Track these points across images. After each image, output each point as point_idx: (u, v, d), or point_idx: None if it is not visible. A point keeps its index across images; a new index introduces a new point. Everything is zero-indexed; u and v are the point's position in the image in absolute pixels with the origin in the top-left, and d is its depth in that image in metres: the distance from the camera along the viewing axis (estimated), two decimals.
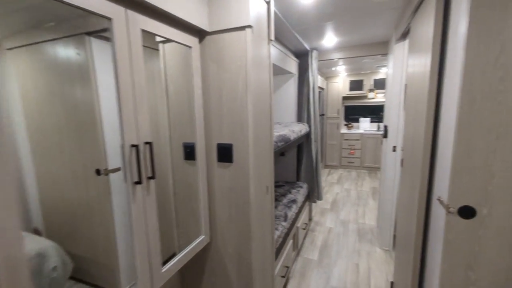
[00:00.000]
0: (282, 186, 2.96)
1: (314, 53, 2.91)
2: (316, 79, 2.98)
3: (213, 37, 1.24)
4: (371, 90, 5.55)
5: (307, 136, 3.00)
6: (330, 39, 2.64)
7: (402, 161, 1.93)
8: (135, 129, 0.90)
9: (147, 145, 0.94)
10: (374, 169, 5.59)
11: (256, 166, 1.34)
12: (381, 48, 2.86)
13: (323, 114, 5.59)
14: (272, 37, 1.42)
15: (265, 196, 1.48)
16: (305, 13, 1.89)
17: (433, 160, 1.31)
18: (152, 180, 0.97)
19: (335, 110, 5.77)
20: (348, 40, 2.70)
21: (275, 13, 1.81)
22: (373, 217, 3.41)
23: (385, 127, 2.67)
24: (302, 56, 3.07)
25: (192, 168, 1.39)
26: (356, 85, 5.62)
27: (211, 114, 1.31)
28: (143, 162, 0.92)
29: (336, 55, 3.07)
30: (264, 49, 1.37)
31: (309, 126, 2.98)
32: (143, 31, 0.94)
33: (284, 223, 2.12)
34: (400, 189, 2.00)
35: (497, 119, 0.95)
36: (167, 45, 1.31)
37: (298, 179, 3.20)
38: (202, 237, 1.38)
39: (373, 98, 5.60)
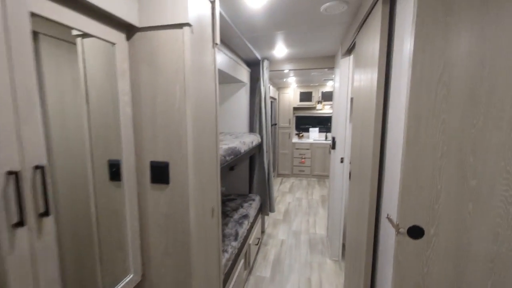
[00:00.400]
0: (233, 199, 2.79)
1: (266, 63, 2.86)
2: (267, 89, 2.92)
3: (145, 34, 1.03)
4: (319, 102, 5.80)
5: (259, 147, 2.90)
6: (280, 50, 2.61)
7: (350, 173, 1.93)
8: (16, 148, 0.64)
9: (38, 170, 0.68)
10: (323, 177, 5.79)
11: (199, 186, 1.15)
12: (328, 62, 2.95)
13: (275, 124, 5.63)
14: (218, 41, 1.27)
15: (210, 220, 1.29)
16: (255, 20, 1.79)
17: (381, 176, 1.29)
18: (47, 218, 0.71)
19: (287, 120, 5.87)
20: (298, 52, 2.71)
21: (222, 16, 1.67)
22: (323, 226, 3.45)
23: (333, 138, 2.72)
24: (253, 65, 2.98)
25: (119, 191, 1.13)
26: (305, 96, 5.81)
27: (143, 126, 1.08)
28: (29, 194, 0.66)
29: (286, 66, 3.07)
30: (207, 53, 1.21)
31: (261, 137, 2.89)
32: (35, 15, 0.69)
33: (234, 243, 1.94)
34: (349, 201, 2.01)
35: (441, 137, 0.94)
36: (88, 40, 1.05)
37: (250, 191, 3.07)
38: (130, 275, 1.12)
39: (321, 110, 5.85)
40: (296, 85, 5.66)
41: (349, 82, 2.43)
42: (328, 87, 5.65)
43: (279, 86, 5.75)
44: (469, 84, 0.89)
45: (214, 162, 1.34)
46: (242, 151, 2.07)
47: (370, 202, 1.30)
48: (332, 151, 2.83)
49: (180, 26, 0.98)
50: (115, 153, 1.12)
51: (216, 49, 1.30)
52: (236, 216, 2.37)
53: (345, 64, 2.42)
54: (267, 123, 2.93)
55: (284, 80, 4.58)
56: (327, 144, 5.64)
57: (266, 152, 2.94)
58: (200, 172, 1.16)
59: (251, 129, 3.02)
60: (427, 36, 0.91)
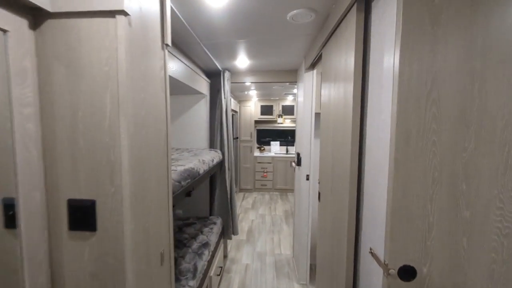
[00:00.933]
0: (192, 224, 2.45)
1: (227, 74, 2.65)
2: (229, 102, 2.70)
3: (61, 22, 0.73)
4: (280, 116, 5.77)
5: (220, 164, 2.64)
6: (242, 61, 2.43)
7: (319, 194, 1.79)
8: None
9: None
10: (285, 191, 5.70)
11: (141, 229, 0.85)
12: (291, 76, 2.86)
13: (237, 137, 5.41)
14: (169, 42, 1.01)
15: (159, 269, 0.99)
16: (215, 24, 1.58)
17: (359, 201, 1.15)
18: None
19: (248, 133, 5.70)
20: (260, 64, 2.56)
21: (177, 16, 1.42)
22: (288, 246, 3.26)
23: (298, 154, 2.59)
24: (214, 76, 2.75)
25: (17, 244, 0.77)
26: (266, 110, 5.74)
27: (58, 150, 0.76)
28: None
29: (248, 79, 2.90)
30: (154, 55, 0.94)
31: (222, 153, 2.63)
32: None
33: (192, 282, 1.62)
34: (319, 222, 1.85)
35: (432, 161, 0.82)
36: None
37: (211, 213, 2.75)
38: None
39: (282, 123, 5.83)
40: (257, 98, 5.57)
41: (313, 96, 2.34)
42: (288, 101, 5.67)
43: (240, 99, 5.59)
44: (459, 102, 0.79)
45: (164, 191, 1.05)
46: (202, 171, 1.79)
47: (348, 234, 1.13)
48: (296, 167, 2.70)
49: (111, 14, 0.71)
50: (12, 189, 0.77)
51: (167, 52, 1.04)
52: (195, 245, 2.04)
53: (309, 79, 2.34)
54: (229, 138, 2.69)
55: (246, 93, 4.43)
56: (288, 157, 5.60)
57: (228, 170, 2.69)
58: (142, 209, 0.86)
59: (212, 145, 2.75)
60: (414, 49, 0.79)
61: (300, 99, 2.61)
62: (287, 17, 1.43)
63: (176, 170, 1.40)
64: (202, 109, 2.63)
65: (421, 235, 0.83)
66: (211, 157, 2.18)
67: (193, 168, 1.62)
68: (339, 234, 1.27)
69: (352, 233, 1.12)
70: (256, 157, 5.66)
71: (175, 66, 1.83)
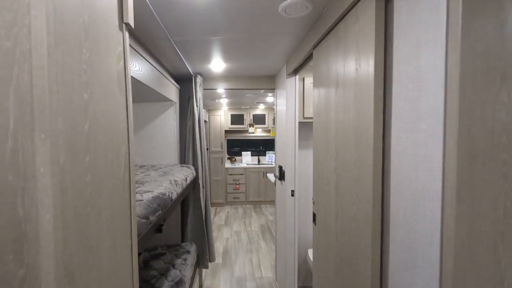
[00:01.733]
0: (161, 255, 2.02)
1: (199, 79, 2.32)
2: (201, 111, 2.36)
3: None
4: (251, 125, 5.54)
5: (194, 182, 2.27)
6: (217, 64, 2.13)
7: (314, 216, 1.54)
8: None
9: None
10: (258, 203, 5.42)
11: None
12: (268, 82, 2.63)
13: (207, 149, 5.01)
14: (130, 21, 0.69)
15: None
16: (191, 15, 1.27)
17: (382, 238, 0.91)
18: None
19: (219, 143, 5.35)
20: (236, 68, 2.29)
21: (144, 4, 1.09)
22: (269, 266, 2.96)
23: (280, 168, 2.34)
24: (184, 82, 2.40)
25: None
26: (237, 119, 5.47)
27: None
28: None
29: (222, 85, 2.60)
30: (107, 37, 0.61)
31: (196, 169, 2.27)
32: None
33: None
34: (316, 252, 1.58)
35: (503, 187, 0.62)
36: None
37: (183, 239, 2.34)
38: None
39: (253, 133, 5.60)
40: (228, 107, 5.27)
41: (296, 104, 2.13)
42: (259, 109, 5.47)
43: (210, 108, 5.24)
44: None
45: (124, 243, 0.70)
46: (175, 196, 1.42)
47: (372, 285, 0.88)
48: (278, 182, 2.45)
49: None
50: None
51: (128, 36, 0.71)
52: (167, 285, 1.64)
53: (291, 85, 2.12)
54: (202, 151, 2.34)
55: (216, 101, 4.11)
56: (261, 168, 5.35)
57: (203, 187, 2.33)
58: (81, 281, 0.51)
59: (183, 160, 2.37)
60: (477, 34, 0.59)
61: (281, 107, 2.38)
62: (278, 8, 1.19)
63: (142, 200, 1.03)
64: (171, 118, 2.25)
65: (492, 287, 0.61)
66: (184, 175, 1.82)
67: (164, 194, 1.26)
68: (352, 278, 1.02)
69: (376, 284, 0.88)
70: (227, 168, 5.31)
71: (138, 65, 1.46)
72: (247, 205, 5.39)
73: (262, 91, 3.19)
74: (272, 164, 5.53)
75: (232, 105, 5.00)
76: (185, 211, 2.31)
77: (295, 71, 2.05)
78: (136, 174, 1.68)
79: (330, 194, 1.29)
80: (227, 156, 5.79)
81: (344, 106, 1.12)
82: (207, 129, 5.07)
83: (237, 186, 5.34)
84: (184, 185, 1.72)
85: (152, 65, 1.73)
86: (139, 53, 1.50)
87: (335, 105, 1.21)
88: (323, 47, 1.35)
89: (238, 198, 5.37)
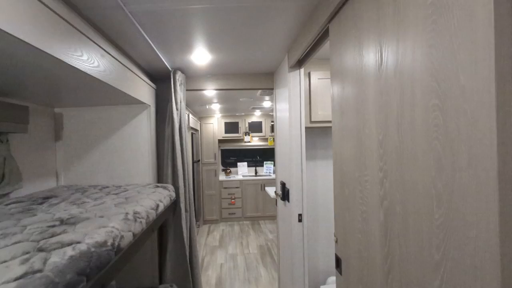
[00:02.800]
0: None
1: (180, 76, 1.86)
2: (184, 115, 1.89)
3: None
4: (246, 133, 5.08)
5: (174, 206, 1.77)
6: (201, 55, 1.67)
7: (337, 261, 1.05)
8: None
9: None
10: (256, 218, 4.89)
11: None
12: (266, 80, 2.18)
13: (198, 160, 4.52)
14: None
15: None
16: None
17: None
18: None
19: (212, 154, 4.86)
20: (225, 61, 1.84)
21: None
22: None
23: (283, 185, 1.86)
24: (162, 81, 1.94)
25: None
26: (231, 127, 5.01)
27: None
28: None
29: (209, 85, 2.14)
30: None
31: (176, 189, 1.78)
32: None
33: None
34: None
35: None
36: None
37: (161, 280, 1.82)
38: None
39: (249, 142, 5.13)
40: (221, 114, 4.81)
41: (302, 106, 1.68)
42: (255, 116, 5.02)
43: (201, 115, 4.78)
44: None
45: None
46: (128, 240, 0.93)
47: None
48: (281, 202, 1.96)
49: None
50: None
51: None
52: None
53: (295, 81, 1.67)
54: (185, 166, 1.85)
55: (207, 107, 3.65)
56: (258, 180, 4.86)
57: (186, 212, 1.83)
58: None
59: (160, 178, 1.88)
60: None
61: (282, 110, 1.92)
62: None
63: (38, 272, 0.54)
64: (143, 126, 1.77)
65: None
66: (156, 201, 1.33)
67: (104, 244, 0.76)
68: None
69: None
70: (221, 181, 4.81)
71: (92, 57, 1.01)
72: (244, 222, 4.86)
73: (258, 93, 2.74)
74: (270, 175, 5.04)
75: (225, 112, 4.55)
76: (164, 244, 1.80)
77: (300, 63, 1.60)
78: (83, 201, 1.18)
79: (371, 239, 0.80)
80: (221, 168, 5.29)
81: (401, 101, 0.65)
82: (198, 139, 4.59)
83: (233, 200, 4.83)
84: (153, 216, 1.23)
85: (114, 57, 1.27)
86: (91, 40, 1.04)
87: (378, 102, 0.74)
88: (348, 17, 0.90)
89: (234, 214, 4.84)
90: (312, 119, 1.77)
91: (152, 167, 1.79)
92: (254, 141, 5.21)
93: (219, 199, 4.81)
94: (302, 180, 1.66)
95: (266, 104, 3.63)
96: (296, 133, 1.67)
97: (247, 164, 5.35)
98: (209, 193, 4.78)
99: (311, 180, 2.00)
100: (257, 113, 4.76)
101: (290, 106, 1.67)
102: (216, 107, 3.72)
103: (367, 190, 0.81)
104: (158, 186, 1.61)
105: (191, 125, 3.79)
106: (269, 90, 2.27)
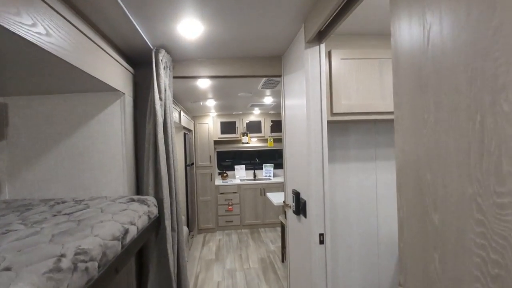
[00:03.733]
0: None
1: (164, 57, 1.45)
2: (171, 107, 1.48)
3: None
4: (244, 134, 4.68)
5: (156, 223, 1.35)
6: (190, 26, 1.26)
7: None
8: None
9: None
10: (255, 226, 4.47)
11: None
12: (272, 65, 1.78)
13: (192, 163, 4.10)
14: None
15: None
16: None
17: None
18: None
19: (207, 157, 4.44)
20: (221, 37, 1.43)
21: None
22: None
23: (297, 195, 1.46)
24: (141, 66, 1.53)
25: None
26: (228, 127, 4.60)
27: None
28: None
29: (204, 71, 1.74)
30: None
31: (159, 203, 1.36)
32: None
33: None
34: None
35: None
36: None
37: None
38: None
39: (247, 143, 4.73)
40: (216, 113, 4.41)
41: (323, 93, 1.28)
42: (254, 115, 4.63)
43: (195, 114, 4.36)
44: None
45: None
46: None
47: None
48: (294, 217, 1.56)
49: None
50: None
51: None
52: None
53: (314, 60, 1.28)
54: (172, 172, 1.44)
55: (201, 103, 3.24)
56: (258, 184, 4.45)
57: (173, 231, 1.41)
58: None
59: (139, 189, 1.46)
60: None
61: (293, 103, 1.53)
62: None
63: None
64: (116, 120, 1.35)
65: None
66: (124, 224, 0.91)
67: None
68: None
69: None
70: (218, 186, 4.39)
71: (43, 24, 0.62)
72: (242, 230, 4.44)
73: (260, 84, 2.35)
74: (270, 179, 4.64)
75: (221, 110, 4.14)
76: (144, 274, 1.38)
77: (320, 36, 1.22)
78: (4, 232, 0.76)
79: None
80: (217, 171, 4.88)
81: None
82: (191, 140, 4.16)
83: (230, 207, 4.41)
84: (116, 250, 0.81)
85: (74, 26, 0.87)
86: (48, 4, 0.65)
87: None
88: None
89: (232, 221, 4.42)
90: (334, 111, 1.38)
91: (128, 174, 1.37)
92: (252, 142, 4.81)
93: (215, 206, 4.38)
94: (324, 189, 1.26)
95: (267, 100, 3.24)
96: (316, 128, 1.27)
97: (245, 167, 4.95)
98: (204, 199, 4.35)
99: (333, 187, 1.61)
100: (256, 111, 4.36)
101: (308, 93, 1.28)
102: (211, 103, 3.31)
103: (500, 223, 0.41)
104: (133, 200, 1.19)
105: (184, 124, 3.38)
106: (275, 79, 1.88)
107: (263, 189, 4.44)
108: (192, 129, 4.31)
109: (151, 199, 1.28)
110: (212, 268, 3.13)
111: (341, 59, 1.39)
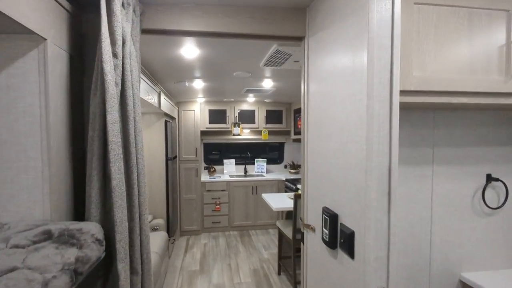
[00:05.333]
0: None
1: None
2: (135, 73, 0.90)
3: None
4: (236, 124, 4.11)
5: (103, 267, 0.78)
6: None
7: None
8: None
9: None
10: (245, 228, 3.97)
11: None
12: (289, 22, 1.21)
13: (175, 157, 3.50)
14: None
15: None
16: None
17: None
18: None
19: (192, 149, 3.84)
20: None
21: None
22: None
23: (332, 220, 0.93)
24: (89, 7, 0.93)
25: None
26: (217, 116, 4.01)
27: None
28: None
29: (190, 24, 1.13)
30: None
31: (109, 231, 0.79)
32: None
33: None
34: None
35: None
36: None
37: None
38: None
39: (238, 135, 4.16)
40: (205, 99, 3.79)
41: (395, 52, 0.75)
42: (247, 104, 4.06)
43: (180, 100, 3.72)
44: None
45: None
46: None
47: None
48: (329, 252, 1.04)
49: None
50: None
51: None
52: None
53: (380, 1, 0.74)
54: (136, 176, 0.87)
55: (186, 84, 2.62)
56: (249, 181, 3.92)
57: (134, 274, 0.85)
58: None
59: (79, 203, 0.88)
60: None
61: (328, 74, 0.99)
62: None
63: None
64: (28, 87, 0.75)
65: None
66: None
67: None
68: None
69: None
70: (204, 183, 3.82)
71: None
72: (231, 232, 3.92)
73: (266, 57, 1.79)
74: (263, 175, 4.13)
75: (210, 96, 3.53)
76: None
77: None
78: None
79: None
80: (204, 165, 4.30)
81: None
82: (174, 130, 3.54)
83: (218, 206, 3.86)
84: None
85: None
86: None
87: None
88: None
89: (219, 222, 3.89)
90: (401, 87, 0.85)
91: (54, 183, 0.78)
92: (244, 134, 4.26)
93: (201, 205, 3.82)
94: (390, 216, 0.75)
95: (267, 83, 2.68)
96: (381, 114, 0.74)
97: (235, 161, 4.40)
98: (188, 197, 3.78)
99: (408, 203, 1.10)
100: (250, 99, 3.80)
101: (371, 52, 0.74)
102: (198, 85, 2.70)
103: None
104: (48, 237, 0.61)
105: (165, 110, 2.76)
106: (286, 51, 1.32)
107: (255, 187, 3.93)
108: (176, 116, 3.68)
109: (89, 230, 0.71)
110: (195, 282, 2.60)
111: (414, 3, 0.86)
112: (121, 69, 0.85)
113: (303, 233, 1.22)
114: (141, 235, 0.89)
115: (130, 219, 0.87)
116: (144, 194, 0.91)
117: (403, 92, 0.85)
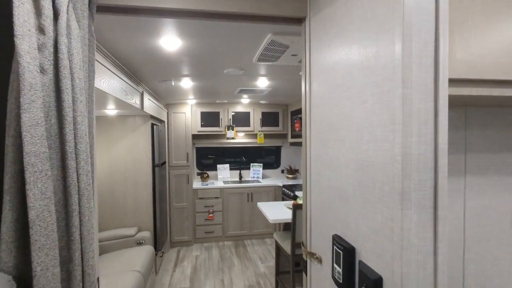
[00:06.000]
0: None
1: None
2: (79, 57, 0.65)
3: None
4: (230, 127, 3.86)
5: None
6: None
7: None
8: None
9: None
10: (240, 238, 3.71)
11: None
12: (288, 3, 0.98)
13: (164, 163, 3.23)
14: None
15: None
16: None
17: None
18: None
19: (183, 154, 3.58)
20: None
21: None
22: None
23: (349, 256, 0.68)
24: None
25: None
26: (210, 119, 3.76)
27: None
28: None
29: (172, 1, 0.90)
30: None
31: (22, 285, 0.54)
32: None
33: None
34: None
35: None
36: None
37: None
38: None
39: (233, 138, 3.92)
40: (196, 101, 3.55)
41: (442, 26, 0.51)
42: (241, 105, 3.82)
43: (169, 102, 3.47)
44: None
45: None
46: None
47: None
48: None
49: None
50: None
51: None
52: None
53: None
54: (78, 191, 0.61)
55: (173, 83, 2.37)
56: (244, 188, 3.67)
57: None
58: None
59: None
60: None
61: (337, 50, 0.75)
62: None
63: None
64: None
65: None
66: None
67: None
68: None
69: None
70: (196, 190, 3.56)
71: None
72: (225, 243, 3.65)
73: (259, 50, 1.56)
74: (259, 181, 3.88)
75: (202, 97, 3.28)
76: None
77: None
78: None
79: None
80: (196, 171, 4.04)
81: None
82: (163, 134, 3.28)
83: (211, 215, 3.60)
84: None
85: None
86: None
87: None
88: None
89: (212, 232, 3.62)
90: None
91: None
92: (239, 138, 4.02)
93: (193, 214, 3.56)
94: (437, 260, 0.51)
95: (261, 82, 2.44)
96: (423, 109, 0.50)
97: (230, 166, 4.15)
98: (179, 205, 3.51)
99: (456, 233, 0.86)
100: (245, 100, 3.56)
101: (408, 20, 0.50)
102: (187, 85, 2.46)
103: None
104: None
105: (151, 112, 2.50)
106: (282, 41, 1.09)
107: (251, 194, 3.67)
108: (165, 119, 3.43)
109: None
110: None
111: None
112: (52, 50, 0.60)
113: (305, 261, 0.98)
114: (84, 282, 0.64)
115: (68, 260, 0.61)
116: (89, 223, 0.65)
117: (459, 81, 0.61)
